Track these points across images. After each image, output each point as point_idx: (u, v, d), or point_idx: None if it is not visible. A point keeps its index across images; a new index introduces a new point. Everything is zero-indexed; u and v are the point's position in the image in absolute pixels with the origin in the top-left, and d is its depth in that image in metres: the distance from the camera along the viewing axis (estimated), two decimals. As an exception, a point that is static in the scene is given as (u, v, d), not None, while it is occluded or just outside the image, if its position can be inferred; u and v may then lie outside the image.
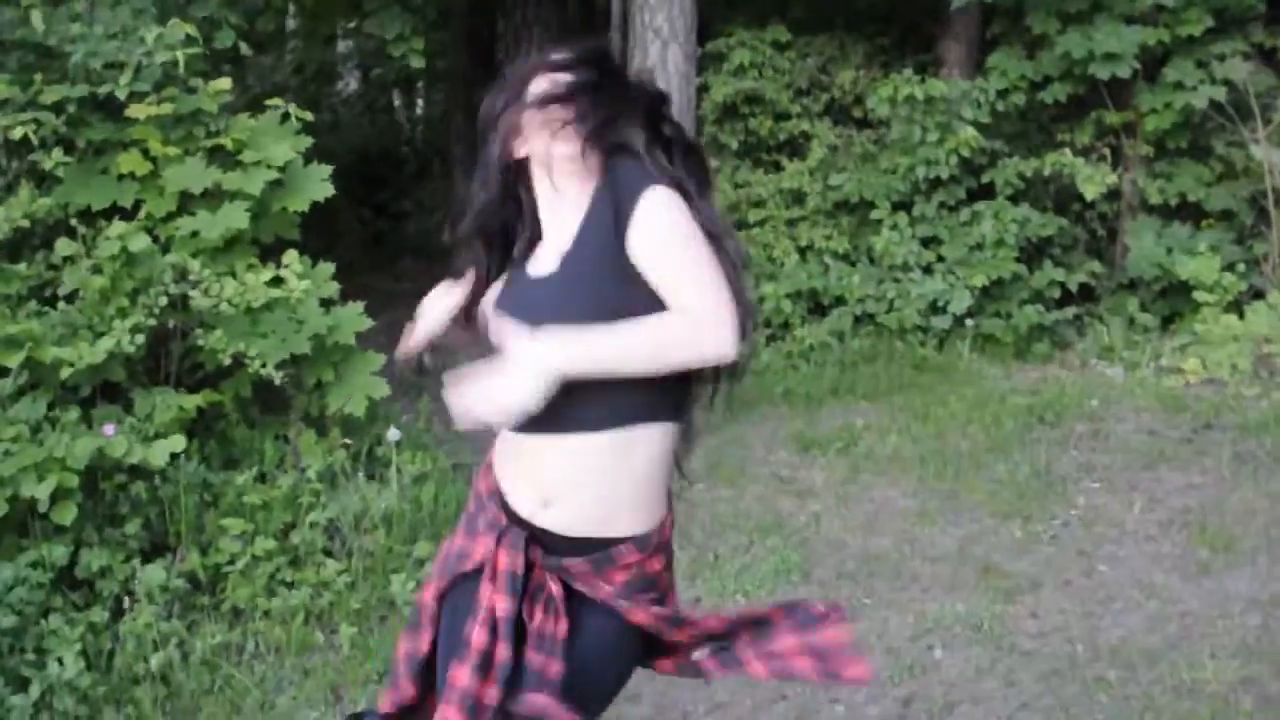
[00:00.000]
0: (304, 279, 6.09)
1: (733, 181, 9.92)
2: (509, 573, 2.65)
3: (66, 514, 5.24)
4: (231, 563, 5.50)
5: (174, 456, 5.57)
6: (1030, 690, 4.52)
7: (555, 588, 2.62)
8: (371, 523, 5.85)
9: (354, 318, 6.35)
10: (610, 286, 2.55)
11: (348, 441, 6.21)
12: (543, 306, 2.60)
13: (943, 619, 5.08)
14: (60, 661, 4.81)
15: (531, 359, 2.48)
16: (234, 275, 6.06)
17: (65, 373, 5.56)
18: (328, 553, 5.70)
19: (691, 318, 2.47)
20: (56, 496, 5.25)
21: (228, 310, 5.91)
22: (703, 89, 9.95)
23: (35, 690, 4.71)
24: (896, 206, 9.30)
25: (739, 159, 10.11)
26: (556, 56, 2.69)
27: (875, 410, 7.73)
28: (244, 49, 7.79)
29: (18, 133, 6.03)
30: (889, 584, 5.49)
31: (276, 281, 6.11)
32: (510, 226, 2.80)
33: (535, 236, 2.76)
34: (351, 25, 16.37)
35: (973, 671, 4.68)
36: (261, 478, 5.95)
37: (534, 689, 2.58)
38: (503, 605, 2.63)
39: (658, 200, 2.53)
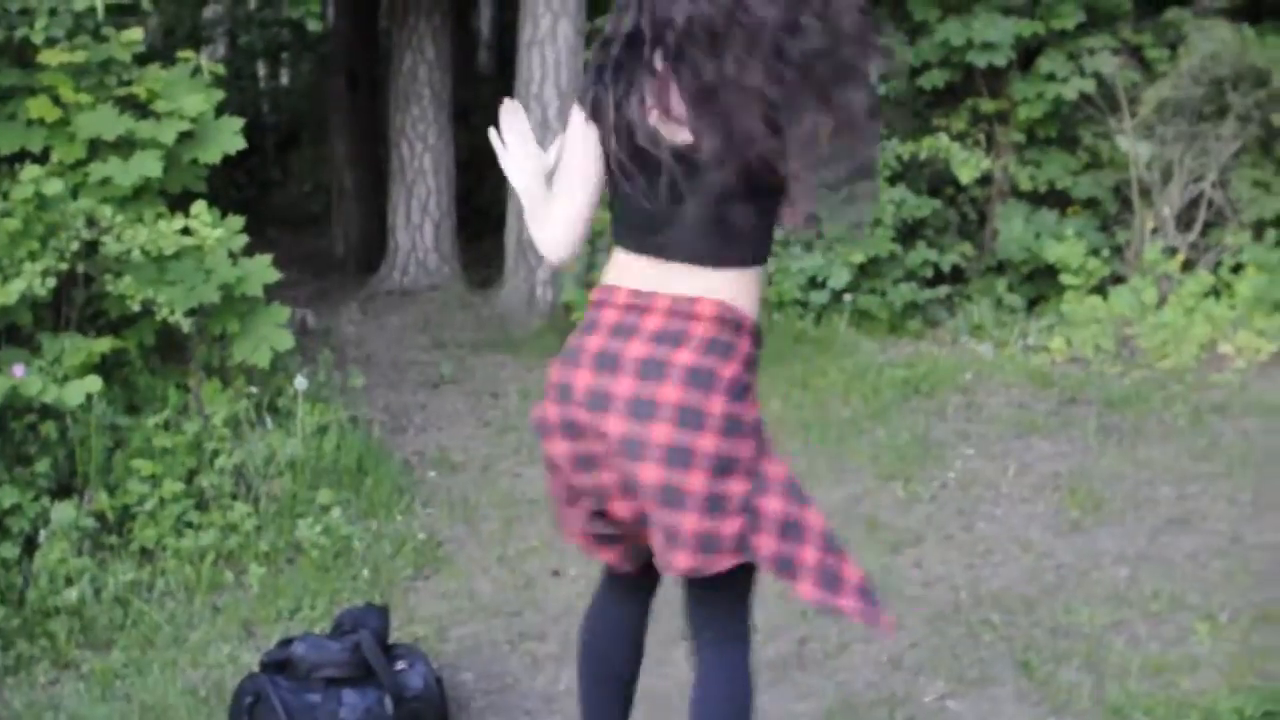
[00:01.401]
0: (215, 229, 6.18)
1: (620, 156, 10.08)
2: None
3: (-22, 450, 5.33)
4: (140, 503, 5.61)
5: (87, 398, 5.67)
6: (918, 632, 4.80)
7: None
8: (277, 469, 5.98)
9: (263, 270, 6.44)
10: None
11: (252, 390, 6.33)
12: None
13: (833, 568, 5.34)
14: (-26, 593, 4.91)
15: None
16: (143, 223, 6.14)
17: (-24, 313, 5.62)
18: (234, 497, 5.82)
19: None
20: (-32, 434, 5.34)
21: (138, 258, 5.99)
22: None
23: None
24: (780, 184, 9.53)
25: (625, 132, 10.27)
26: None
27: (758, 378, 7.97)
28: (145, 4, 7.81)
29: (-71, 77, 6.06)
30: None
31: (185, 231, 6.21)
32: None
33: None
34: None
35: (863, 616, 4.95)
36: (165, 424, 6.04)
37: None
38: None
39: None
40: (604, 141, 2.94)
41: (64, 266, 5.89)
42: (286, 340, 6.48)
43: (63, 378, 5.68)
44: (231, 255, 6.39)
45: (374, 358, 9.11)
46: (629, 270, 3.00)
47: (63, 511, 5.40)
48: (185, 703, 4.44)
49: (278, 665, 4.12)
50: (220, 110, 6.68)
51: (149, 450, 5.81)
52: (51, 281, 5.79)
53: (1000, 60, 9.15)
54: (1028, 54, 9.48)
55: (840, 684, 4.46)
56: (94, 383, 5.61)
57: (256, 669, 4.22)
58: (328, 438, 6.31)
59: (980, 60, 9.17)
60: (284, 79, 19.89)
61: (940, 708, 4.28)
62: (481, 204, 12.46)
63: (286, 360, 6.67)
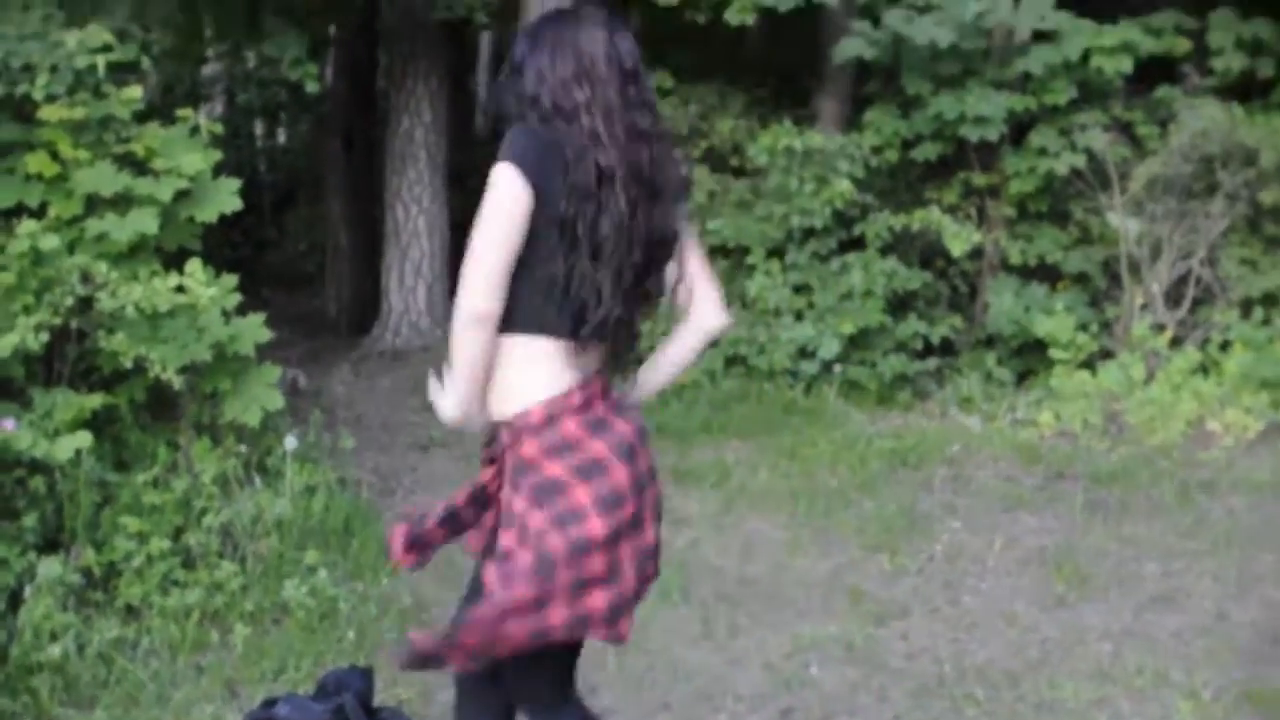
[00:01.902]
0: (208, 288, 6.21)
1: (612, 223, 10.15)
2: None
3: (-32, 503, 5.33)
4: (127, 560, 5.59)
5: (76, 453, 5.68)
6: (901, 705, 4.81)
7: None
8: (265, 528, 5.98)
9: (255, 329, 6.46)
10: None
11: (242, 448, 6.34)
12: None
13: (817, 639, 5.35)
14: (-45, 645, 4.89)
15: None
16: (138, 280, 6.16)
17: (-30, 365, 5.64)
18: (221, 555, 5.81)
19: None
20: (-42, 487, 5.34)
21: (132, 314, 6.01)
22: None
23: (-60, 671, 4.80)
24: (770, 253, 9.61)
25: (619, 203, 10.35)
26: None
27: (746, 447, 8.02)
28: (145, 63, 7.87)
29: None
30: (765, 607, 5.75)
31: (180, 290, 6.24)
32: None
33: None
34: (224, 49, 16.35)
35: (847, 688, 4.96)
36: (154, 481, 6.05)
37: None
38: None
39: (495, 172, 3.01)
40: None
41: (57, 321, 5.92)
42: (277, 400, 6.50)
43: (53, 432, 5.69)
44: (224, 314, 6.40)
45: (364, 419, 9.14)
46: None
47: (49, 567, 5.38)
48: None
49: (263, 726, 4.11)
50: (218, 170, 6.73)
51: (137, 507, 5.81)
52: (45, 336, 5.81)
53: (992, 134, 9.22)
54: (1020, 129, 9.56)
55: (824, 759, 4.45)
56: (84, 438, 5.62)
57: (239, 730, 4.22)
58: (316, 498, 6.31)
59: (973, 134, 9.23)
60: (281, 138, 19.95)
61: (923, 781, 4.28)
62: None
63: (277, 420, 6.68)
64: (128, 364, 6.02)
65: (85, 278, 6.04)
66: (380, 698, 4.63)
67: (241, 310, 6.52)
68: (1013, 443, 8.02)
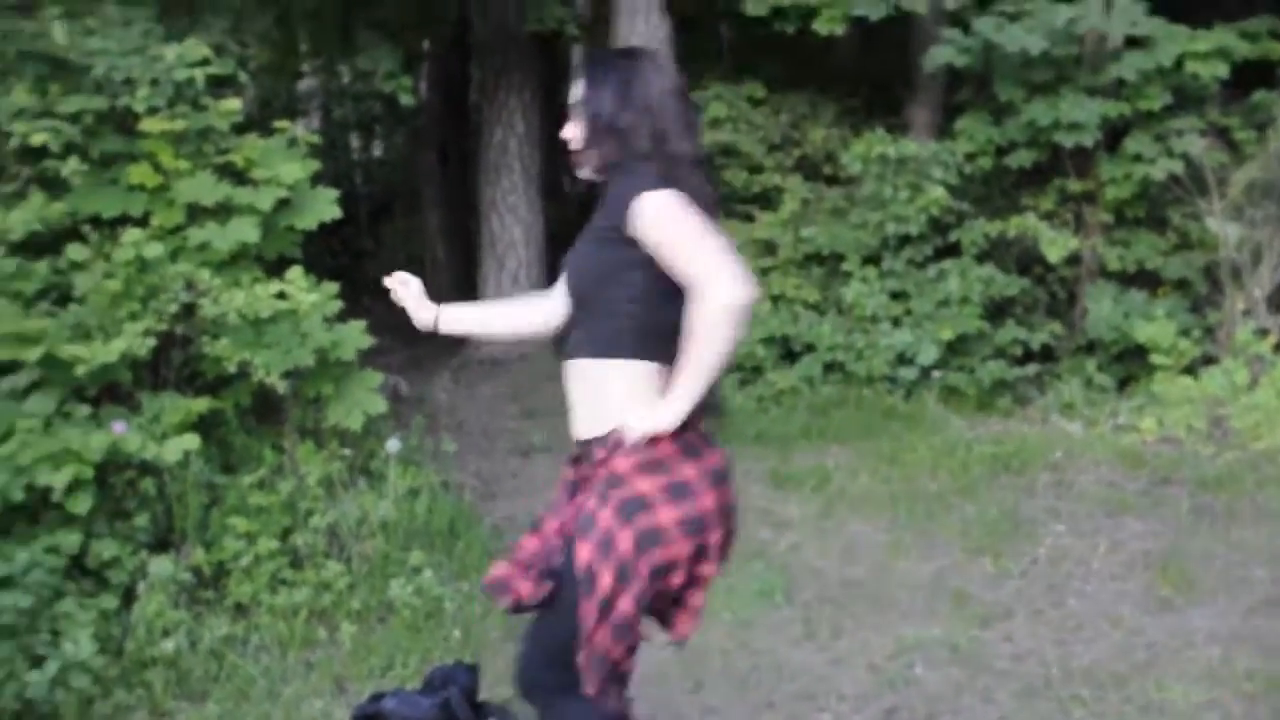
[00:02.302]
0: (310, 294, 6.29)
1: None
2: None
3: (81, 504, 5.41)
4: (236, 559, 5.69)
5: (185, 455, 5.76)
6: (1007, 706, 4.77)
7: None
8: (370, 530, 6.04)
9: (356, 335, 6.54)
10: (597, 252, 3.31)
11: (346, 452, 6.41)
12: (571, 263, 3.40)
13: (921, 641, 5.33)
14: (75, 642, 4.97)
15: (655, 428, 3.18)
16: (240, 287, 6.25)
17: (79, 370, 5.73)
18: (327, 555, 5.89)
19: (704, 307, 3.09)
20: (71, 487, 5.43)
21: (235, 320, 6.10)
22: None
23: (52, 668, 4.87)
24: (866, 260, 9.58)
25: (714, 209, 10.38)
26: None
27: (846, 452, 7.99)
28: (242, 76, 7.97)
29: (37, 139, 6.21)
30: (868, 609, 5.73)
31: (281, 296, 6.32)
32: None
33: None
34: (319, 63, 16.55)
35: (952, 689, 4.93)
36: (260, 483, 6.13)
37: None
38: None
39: (662, 203, 3.18)
40: None
41: (163, 327, 6.02)
42: (379, 404, 6.56)
43: (161, 436, 5.78)
44: (326, 320, 6.48)
45: (465, 425, 9.20)
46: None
47: (160, 565, 5.49)
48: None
49: (368, 719, 4.15)
50: (315, 180, 6.82)
51: (244, 508, 5.89)
52: (151, 341, 5.91)
53: (1087, 140, 9.13)
54: (1115, 135, 9.45)
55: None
56: (191, 440, 5.71)
57: (349, 723, 4.26)
58: (419, 500, 6.36)
59: (1067, 140, 9.15)
60: (377, 150, 20.07)
61: (1031, 782, 4.24)
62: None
63: (379, 424, 6.75)
64: (231, 369, 6.12)
65: (189, 285, 6.15)
66: (485, 695, 4.66)
67: (342, 317, 6.61)
68: (1115, 448, 7.92)
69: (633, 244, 3.20)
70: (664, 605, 3.41)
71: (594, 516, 3.19)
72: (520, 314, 3.75)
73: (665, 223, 3.16)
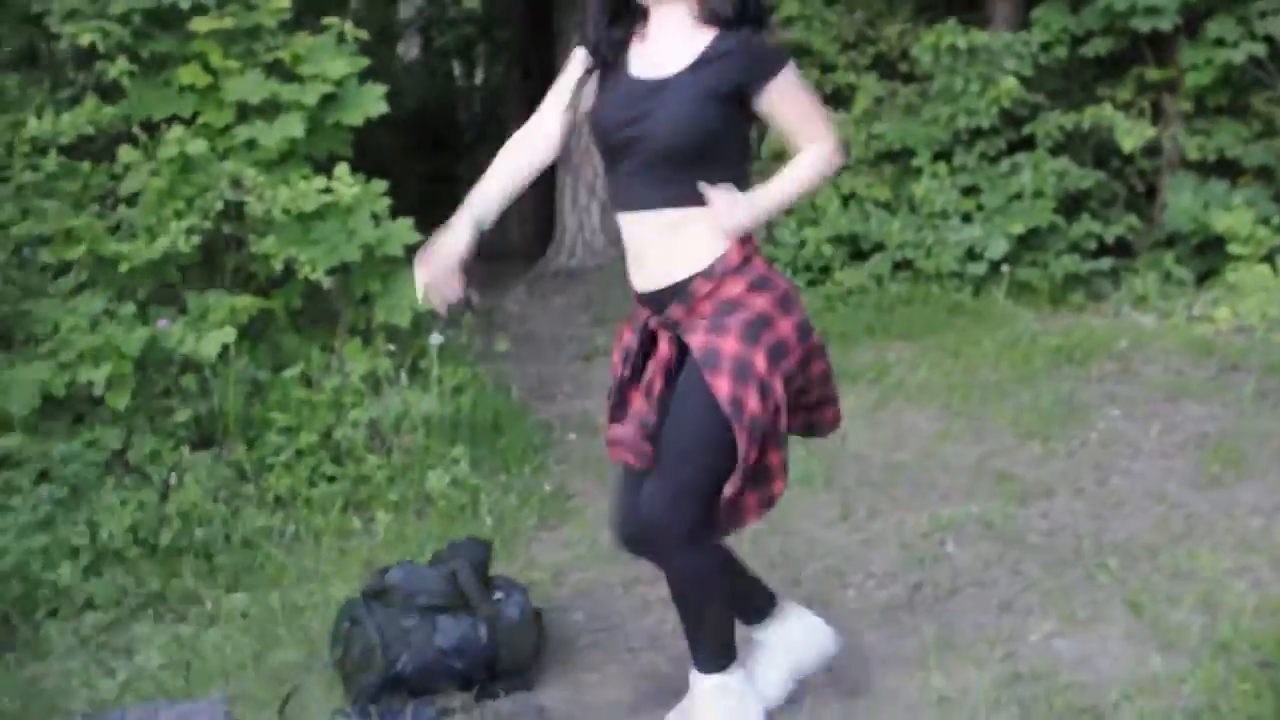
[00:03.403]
0: (354, 189, 6.31)
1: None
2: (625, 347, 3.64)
3: (120, 399, 5.52)
4: (276, 454, 5.75)
5: (224, 350, 5.82)
6: (1033, 576, 4.71)
7: (664, 347, 3.50)
8: (411, 424, 6.07)
9: (404, 231, 6.54)
10: (712, 109, 3.34)
11: (391, 348, 6.44)
12: (654, 106, 3.35)
13: (956, 519, 5.26)
14: (110, 534, 5.08)
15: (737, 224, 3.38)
16: (286, 184, 6.28)
17: (124, 267, 5.81)
18: (368, 450, 5.92)
19: (821, 149, 3.45)
20: (112, 383, 5.52)
21: (281, 218, 6.14)
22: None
23: (85, 556, 4.99)
24: (937, 156, 9.40)
25: (786, 108, 10.22)
26: None
27: (909, 348, 7.88)
28: None
29: (85, 39, 6.28)
30: (908, 491, 5.67)
31: (328, 192, 6.35)
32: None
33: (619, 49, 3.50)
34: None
35: (980, 563, 4.87)
36: (307, 381, 6.18)
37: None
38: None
39: (793, 72, 3.41)
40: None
41: (208, 225, 6.07)
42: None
43: (203, 332, 5.84)
44: (374, 217, 6.50)
45: (534, 334, 9.22)
46: None
47: (199, 459, 5.57)
48: (293, 634, 4.54)
49: (376, 593, 4.19)
50: (367, 76, 6.82)
51: (287, 404, 5.95)
52: (196, 239, 5.98)
53: (1165, 25, 8.85)
54: (1195, 20, 9.15)
55: (946, 624, 4.37)
56: (229, 333, 5.78)
57: (360, 598, 4.29)
58: (464, 396, 6.38)
59: (1144, 25, 8.88)
60: (479, 78, 20.06)
61: (1044, 646, 4.17)
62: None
63: (430, 322, 6.76)
64: (278, 266, 6.16)
65: (235, 183, 6.19)
66: (503, 573, 4.68)
67: (393, 215, 6.63)
68: (1185, 337, 7.74)
69: (745, 104, 3.38)
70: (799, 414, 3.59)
71: (718, 349, 3.31)
72: (526, 161, 3.71)
73: (799, 91, 3.44)
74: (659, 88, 3.36)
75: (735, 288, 3.37)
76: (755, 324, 3.33)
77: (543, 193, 12.97)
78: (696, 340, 3.35)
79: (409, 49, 19.82)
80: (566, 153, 11.21)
